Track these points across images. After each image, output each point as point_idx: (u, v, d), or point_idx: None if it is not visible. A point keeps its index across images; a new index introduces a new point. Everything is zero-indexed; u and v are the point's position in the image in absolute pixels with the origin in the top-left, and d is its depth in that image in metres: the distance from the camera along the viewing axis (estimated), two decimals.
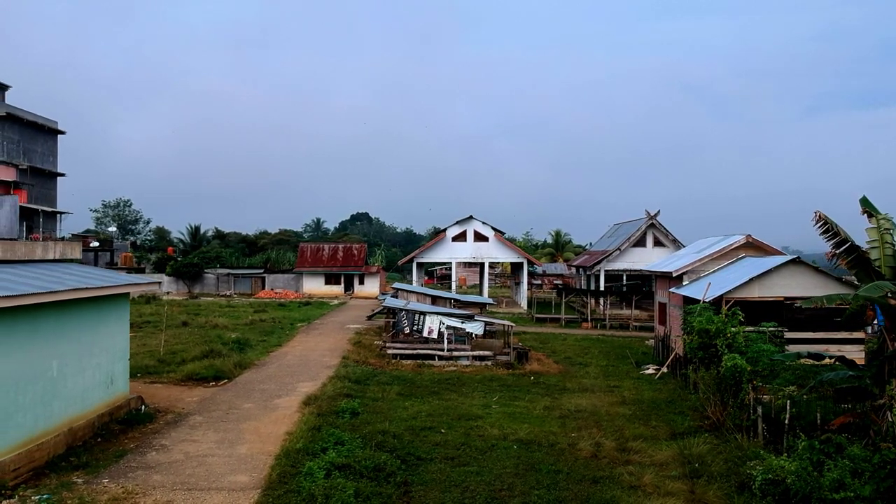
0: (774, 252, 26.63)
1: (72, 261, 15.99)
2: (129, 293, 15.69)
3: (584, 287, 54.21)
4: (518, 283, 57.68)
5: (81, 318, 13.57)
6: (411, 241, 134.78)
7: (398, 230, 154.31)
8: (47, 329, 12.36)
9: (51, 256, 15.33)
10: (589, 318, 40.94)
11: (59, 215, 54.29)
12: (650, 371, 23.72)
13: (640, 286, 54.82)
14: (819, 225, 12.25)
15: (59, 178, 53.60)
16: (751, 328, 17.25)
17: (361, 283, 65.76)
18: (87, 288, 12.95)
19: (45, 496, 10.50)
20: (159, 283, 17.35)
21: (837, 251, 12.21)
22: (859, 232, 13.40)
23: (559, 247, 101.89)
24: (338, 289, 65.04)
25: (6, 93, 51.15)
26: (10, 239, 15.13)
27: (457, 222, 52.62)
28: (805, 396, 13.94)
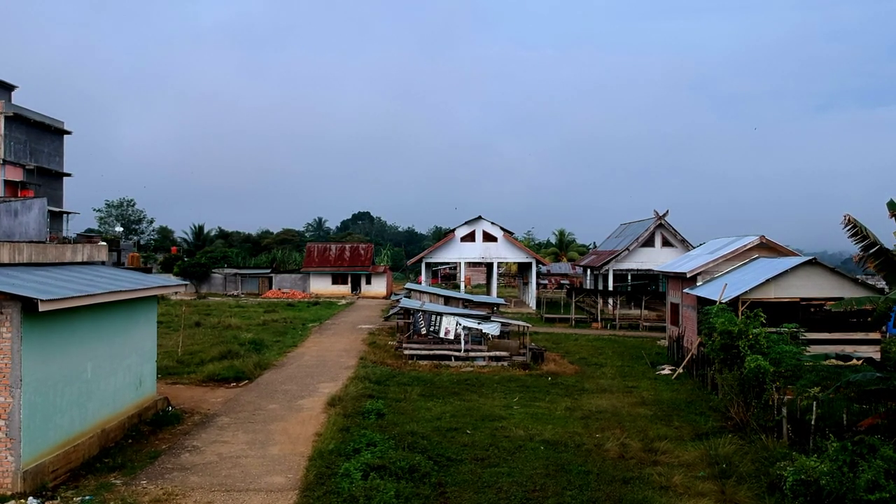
0: (788, 253, 26.74)
1: (101, 263, 16.12)
2: (157, 295, 15.81)
3: (591, 287, 54.35)
4: (526, 283, 57.83)
5: (114, 320, 13.71)
6: (413, 241, 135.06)
7: (400, 230, 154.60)
8: (83, 331, 12.49)
9: (79, 259, 15.46)
10: (599, 318, 41.06)
11: (65, 215, 54.45)
12: (666, 371, 23.85)
13: (647, 286, 55.02)
14: (848, 228, 12.37)
15: (64, 178, 53.64)
16: (771, 329, 17.35)
17: (368, 283, 65.92)
18: (121, 291, 13.08)
19: (87, 497, 10.63)
20: (186, 284, 17.47)
21: (866, 254, 12.31)
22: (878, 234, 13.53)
23: (563, 246, 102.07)
24: (345, 289, 65.20)
25: (13, 93, 51.28)
26: (40, 242, 15.26)
27: (465, 223, 52.78)
28: (831, 396, 14.04)
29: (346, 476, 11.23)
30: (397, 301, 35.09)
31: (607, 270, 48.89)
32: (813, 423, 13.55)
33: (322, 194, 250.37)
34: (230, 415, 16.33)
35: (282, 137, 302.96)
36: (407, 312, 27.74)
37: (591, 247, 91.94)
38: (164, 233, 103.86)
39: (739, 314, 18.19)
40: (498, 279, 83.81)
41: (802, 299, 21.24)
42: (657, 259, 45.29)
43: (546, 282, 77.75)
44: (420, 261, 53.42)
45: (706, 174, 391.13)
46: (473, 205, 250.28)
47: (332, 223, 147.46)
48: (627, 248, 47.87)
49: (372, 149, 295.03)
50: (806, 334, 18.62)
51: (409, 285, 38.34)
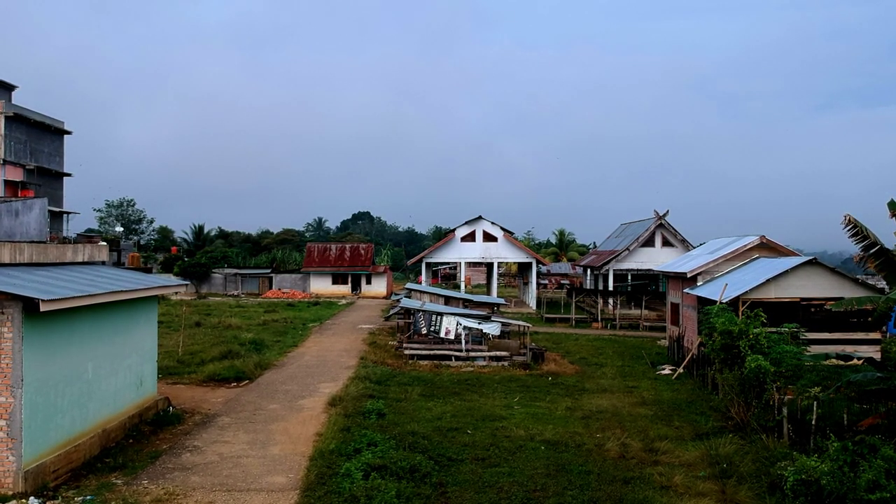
0: (788, 253, 26.74)
1: (102, 263, 16.12)
2: (157, 295, 15.82)
3: (591, 287, 54.36)
4: (526, 283, 57.85)
5: (115, 320, 13.71)
6: (413, 241, 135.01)
7: (400, 229, 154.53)
8: (83, 331, 12.50)
9: (80, 259, 15.46)
10: (599, 318, 41.06)
11: (65, 215, 54.43)
12: (666, 371, 23.85)
13: (647, 286, 55.03)
14: (848, 228, 12.37)
15: (64, 178, 53.59)
16: (772, 329, 17.34)
17: (369, 282, 65.92)
18: (122, 291, 13.08)
19: (88, 497, 10.64)
20: (186, 284, 17.49)
21: (866, 254, 12.31)
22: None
23: (563, 246, 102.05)
24: (345, 289, 65.20)
25: (13, 93, 51.26)
26: (41, 242, 15.27)
27: (466, 223, 52.79)
28: (831, 396, 14.06)
29: (347, 476, 11.24)
30: (397, 301, 35.08)
31: (607, 270, 48.89)
32: (813, 423, 13.56)
33: (322, 194, 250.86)
34: (231, 415, 16.33)
35: (282, 137, 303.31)
36: (407, 312, 27.75)
37: (591, 247, 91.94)
38: (164, 233, 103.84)
39: (740, 314, 18.19)
40: (498, 279, 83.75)
41: (803, 299, 21.24)
42: (657, 259, 45.29)
43: (546, 282, 77.72)
44: (420, 261, 53.43)
45: (706, 174, 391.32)
46: (474, 205, 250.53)
47: (332, 223, 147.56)
48: (627, 248, 47.88)
49: (372, 149, 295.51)
50: (806, 334, 18.62)
51: (409, 285, 38.34)
